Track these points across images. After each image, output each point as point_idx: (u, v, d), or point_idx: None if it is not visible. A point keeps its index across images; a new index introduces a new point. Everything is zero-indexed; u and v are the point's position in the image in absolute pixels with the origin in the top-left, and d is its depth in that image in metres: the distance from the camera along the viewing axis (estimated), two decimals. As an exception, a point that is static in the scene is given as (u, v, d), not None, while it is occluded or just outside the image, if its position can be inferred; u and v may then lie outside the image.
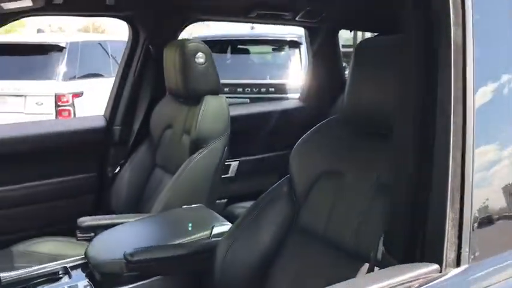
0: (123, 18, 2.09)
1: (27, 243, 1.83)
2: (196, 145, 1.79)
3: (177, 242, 1.38)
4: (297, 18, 2.29)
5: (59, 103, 5.11)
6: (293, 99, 3.06)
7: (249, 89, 5.11)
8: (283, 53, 5.47)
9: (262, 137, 2.46)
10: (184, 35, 2.34)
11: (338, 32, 2.64)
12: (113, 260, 1.28)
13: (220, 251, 1.28)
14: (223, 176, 2.38)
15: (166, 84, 1.99)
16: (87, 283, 1.36)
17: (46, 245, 1.83)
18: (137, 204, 2.01)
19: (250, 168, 2.48)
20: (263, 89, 5.08)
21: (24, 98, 5.29)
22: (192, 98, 1.88)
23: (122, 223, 1.58)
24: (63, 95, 5.11)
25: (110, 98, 2.23)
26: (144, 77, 2.16)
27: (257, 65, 5.65)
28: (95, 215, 1.98)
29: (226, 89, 5.09)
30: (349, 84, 1.18)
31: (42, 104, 5.13)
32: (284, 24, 2.60)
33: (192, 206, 1.63)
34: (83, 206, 2.08)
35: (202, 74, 1.85)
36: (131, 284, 1.28)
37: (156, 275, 1.31)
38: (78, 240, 1.55)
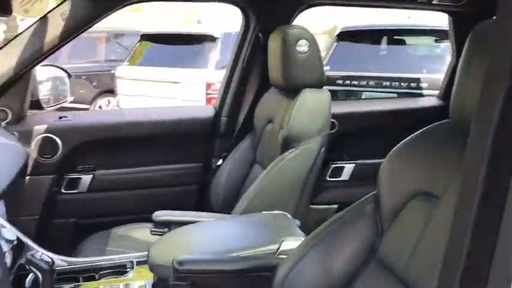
0: (235, 3, 1.99)
1: (126, 227, 1.86)
2: (288, 143, 1.61)
3: (239, 253, 1.23)
4: (434, 1, 1.92)
5: (208, 91, 5.36)
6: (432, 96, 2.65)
7: (398, 84, 4.70)
8: (443, 45, 4.88)
9: (385, 138, 2.16)
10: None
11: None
12: (163, 265, 1.18)
13: (280, 273, 1.09)
14: (335, 179, 2.16)
15: (269, 75, 1.84)
16: (143, 283, 1.30)
17: (142, 231, 1.85)
18: (234, 202, 1.91)
19: (368, 173, 2.19)
20: (413, 84, 4.62)
21: (178, 84, 5.67)
22: (291, 90, 1.70)
23: (196, 222, 1.49)
24: (213, 84, 5.33)
25: (220, 88, 2.17)
26: (252, 67, 2.05)
27: (413, 57, 5.15)
28: (196, 206, 1.94)
29: (371, 83, 4.77)
30: (459, 81, 0.89)
31: (194, 91, 5.44)
32: (417, 9, 2.23)
33: (273, 212, 1.46)
34: (184, 196, 2.06)
35: (303, 63, 1.65)
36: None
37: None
38: (152, 234, 1.51)
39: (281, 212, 1.46)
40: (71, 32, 1.77)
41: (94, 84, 6.84)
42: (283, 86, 1.74)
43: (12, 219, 1.73)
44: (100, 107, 6.85)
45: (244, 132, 2.04)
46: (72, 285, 1.32)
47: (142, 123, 2.04)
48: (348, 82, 4.89)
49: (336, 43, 5.10)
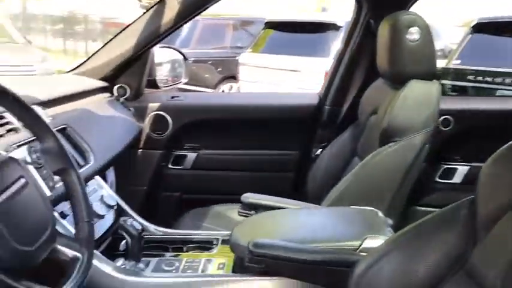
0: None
1: (224, 206, 1.93)
2: (388, 136, 1.52)
3: (319, 245, 1.20)
4: None
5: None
6: None
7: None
8: None
9: (508, 141, 1.93)
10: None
11: None
12: (242, 245, 1.20)
13: (358, 270, 1.04)
14: (445, 181, 2.01)
15: (377, 64, 1.75)
16: (223, 261, 1.33)
17: (236, 212, 1.90)
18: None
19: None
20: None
21: (298, 73, 5.69)
22: (397, 80, 1.59)
23: (282, 208, 1.48)
24: (331, 73, 5.24)
25: (327, 75, 2.12)
26: (361, 56, 1.96)
27: None
28: (290, 194, 1.94)
29: (508, 80, 4.31)
30: None
31: (312, 80, 5.42)
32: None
33: (363, 207, 1.39)
34: (279, 182, 2.07)
35: (413, 52, 1.53)
36: (256, 276, 1.17)
37: (279, 275, 1.16)
38: (239, 215, 1.53)
39: (371, 208, 1.38)
40: (185, 15, 1.87)
41: (219, 69, 7.16)
42: (389, 76, 1.64)
43: (122, 187, 1.90)
44: (223, 92, 7.17)
45: (347, 122, 1.98)
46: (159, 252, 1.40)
47: (247, 107, 2.08)
48: (480, 78, 4.49)
49: (469, 35, 4.68)
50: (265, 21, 6.50)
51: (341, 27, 5.53)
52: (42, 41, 13.38)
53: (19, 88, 1.45)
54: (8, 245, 0.77)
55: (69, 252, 0.93)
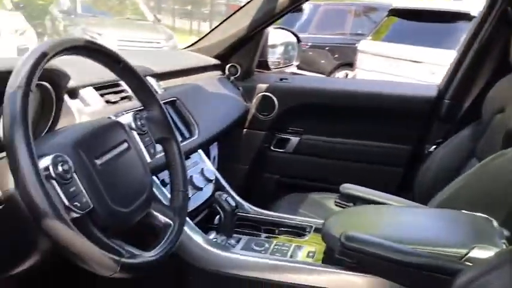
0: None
1: (323, 194, 1.89)
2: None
3: (420, 247, 1.10)
4: None
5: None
6: None
7: None
8: None
9: None
10: None
11: None
12: (334, 236, 1.15)
13: (460, 281, 0.94)
14: None
15: (511, 57, 1.56)
16: (313, 249, 1.29)
17: (333, 202, 1.85)
18: (439, 195, 1.72)
19: None
20: None
21: (420, 64, 5.37)
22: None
23: (383, 203, 1.40)
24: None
25: (449, 67, 1.95)
26: (491, 47, 1.76)
27: None
28: (395, 190, 1.84)
29: None
30: None
31: (434, 73, 5.08)
32: None
33: (476, 214, 1.26)
34: (385, 176, 1.96)
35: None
36: (346, 270, 1.12)
37: (371, 273, 1.10)
38: (335, 205, 1.48)
39: (485, 216, 1.24)
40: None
41: (335, 56, 7.03)
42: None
43: (224, 164, 1.94)
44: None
45: (468, 119, 1.80)
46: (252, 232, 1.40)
47: (357, 94, 2.00)
48: None
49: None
50: (391, 8, 6.20)
51: (474, 17, 5.08)
52: (170, 20, 14.24)
53: (139, 60, 1.54)
54: (105, 204, 0.82)
55: (162, 219, 0.96)
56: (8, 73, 0.75)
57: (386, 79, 5.33)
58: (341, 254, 1.10)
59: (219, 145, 1.87)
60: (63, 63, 1.04)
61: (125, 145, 0.92)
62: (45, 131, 1.08)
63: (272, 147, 2.09)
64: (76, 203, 0.76)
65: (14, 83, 0.72)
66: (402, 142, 1.98)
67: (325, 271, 1.13)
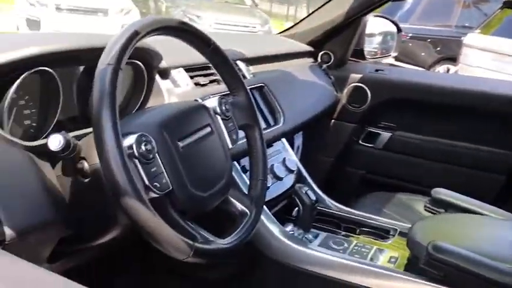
0: None
1: (410, 196, 1.78)
2: None
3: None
4: None
5: None
6: None
7: None
8: None
9: None
10: None
11: None
12: (420, 243, 1.07)
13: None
14: None
15: None
16: (396, 254, 1.22)
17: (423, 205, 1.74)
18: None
19: None
20: None
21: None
22: None
23: (481, 214, 1.28)
24: None
25: None
26: None
27: None
28: (494, 199, 1.70)
29: None
30: None
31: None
32: None
33: None
34: (482, 183, 1.80)
35: None
36: (431, 282, 1.04)
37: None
38: (424, 209, 1.38)
39: None
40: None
41: (437, 49, 6.62)
42: None
43: (309, 154, 1.90)
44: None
45: None
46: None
47: (459, 92, 1.84)
48: None
49: None
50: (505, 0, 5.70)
51: None
52: (267, 5, 14.30)
53: (231, 43, 1.53)
54: (184, 187, 0.81)
55: (239, 206, 0.95)
56: (101, 50, 0.76)
57: (493, 77, 4.93)
58: (426, 265, 1.02)
59: (304, 135, 1.83)
60: (156, 43, 1.06)
61: (208, 129, 0.91)
62: (136, 109, 1.11)
63: (360, 141, 2.01)
64: (156, 184, 0.77)
65: (105, 60, 0.73)
66: (506, 147, 1.80)
67: (407, 280, 1.06)
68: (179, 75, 1.20)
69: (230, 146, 0.97)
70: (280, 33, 2.17)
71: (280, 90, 1.55)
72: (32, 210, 0.77)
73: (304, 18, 2.10)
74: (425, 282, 1.03)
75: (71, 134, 0.80)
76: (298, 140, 1.78)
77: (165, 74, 1.17)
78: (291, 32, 2.07)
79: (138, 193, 0.71)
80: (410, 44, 6.58)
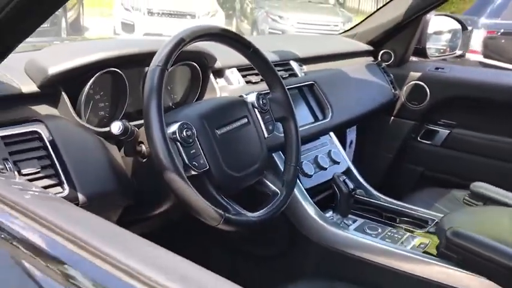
0: None
1: (462, 192, 1.81)
2: None
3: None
4: None
5: None
6: None
7: None
8: None
9: None
10: None
11: None
12: (442, 229, 1.15)
13: None
14: None
15: None
16: (427, 241, 1.30)
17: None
18: None
19: None
20: None
21: None
22: None
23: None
24: None
25: None
26: None
27: None
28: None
29: None
30: None
31: None
32: None
33: None
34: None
35: None
36: (451, 265, 1.12)
37: (477, 273, 1.08)
38: (463, 202, 1.43)
39: None
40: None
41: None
42: None
43: (367, 149, 2.00)
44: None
45: None
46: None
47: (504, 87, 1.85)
48: None
49: None
50: None
51: None
52: (356, 3, 14.15)
53: (290, 45, 1.69)
54: (220, 167, 0.99)
55: (272, 187, 1.10)
56: (154, 53, 0.96)
57: None
58: (446, 249, 1.10)
59: (358, 130, 1.93)
60: (214, 47, 1.24)
61: (245, 120, 1.08)
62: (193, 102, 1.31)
63: (419, 138, 2.06)
64: (194, 163, 0.95)
65: (155, 62, 0.92)
66: None
67: (430, 262, 1.15)
68: (232, 74, 1.38)
69: (266, 135, 1.13)
70: (342, 33, 2.28)
71: (332, 87, 1.67)
72: (101, 182, 0.98)
73: (365, 19, 2.20)
74: (445, 265, 1.12)
75: (135, 123, 1.00)
76: (351, 134, 1.89)
77: (219, 73, 1.36)
78: (352, 32, 2.17)
79: (177, 169, 0.89)
80: (502, 41, 6.25)
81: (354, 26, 2.25)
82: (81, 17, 9.74)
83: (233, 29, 9.41)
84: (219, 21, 7.93)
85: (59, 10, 8.31)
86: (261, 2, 8.64)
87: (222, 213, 0.93)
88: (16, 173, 0.88)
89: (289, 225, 1.33)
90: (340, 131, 1.72)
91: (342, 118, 1.64)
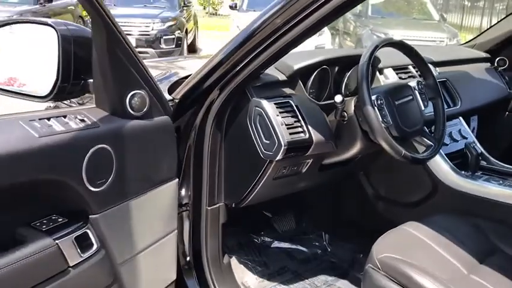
0: None
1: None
2: None
3: None
4: None
5: None
6: None
7: None
8: None
9: None
10: None
11: None
12: None
13: None
14: None
15: None
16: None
17: None
18: None
19: None
20: None
21: None
22: None
23: None
24: None
25: None
26: None
27: None
28: None
29: None
30: None
31: None
32: None
33: None
34: None
35: None
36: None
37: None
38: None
39: None
40: None
41: None
42: None
43: (484, 136, 2.52)
44: None
45: None
46: None
47: None
48: None
49: None
50: None
51: None
52: (458, 18, 14.22)
53: (425, 52, 2.30)
54: (397, 124, 1.61)
55: (427, 141, 1.71)
56: (356, 56, 1.62)
57: None
58: None
59: (479, 119, 2.46)
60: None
61: (410, 97, 1.70)
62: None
63: None
64: (384, 120, 1.58)
65: (363, 59, 1.57)
66: None
67: None
68: (389, 72, 2.02)
69: (423, 108, 1.74)
70: (462, 44, 2.84)
71: (459, 84, 2.25)
72: (321, 131, 1.64)
73: (482, 32, 2.74)
74: None
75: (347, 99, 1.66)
76: (474, 122, 2.42)
77: (380, 71, 2.00)
78: (472, 43, 2.73)
79: (378, 123, 1.53)
80: None
81: (473, 39, 2.80)
82: (197, 40, 10.95)
83: (337, 46, 10.07)
84: (326, 40, 8.63)
85: (183, 34, 9.34)
86: (364, 21, 9.21)
87: (402, 151, 1.55)
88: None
89: (432, 178, 1.92)
90: (465, 119, 2.27)
91: (468, 106, 2.20)
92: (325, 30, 9.17)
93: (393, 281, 1.37)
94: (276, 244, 2.20)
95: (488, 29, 2.77)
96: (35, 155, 1.01)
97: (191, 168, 1.60)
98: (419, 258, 1.39)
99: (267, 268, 2.05)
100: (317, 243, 2.24)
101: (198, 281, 1.70)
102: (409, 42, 1.81)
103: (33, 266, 1.01)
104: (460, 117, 2.17)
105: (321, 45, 8.46)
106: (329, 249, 2.22)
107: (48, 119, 1.10)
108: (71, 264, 1.09)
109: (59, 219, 1.12)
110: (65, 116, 1.14)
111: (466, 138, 2.09)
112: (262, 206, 2.30)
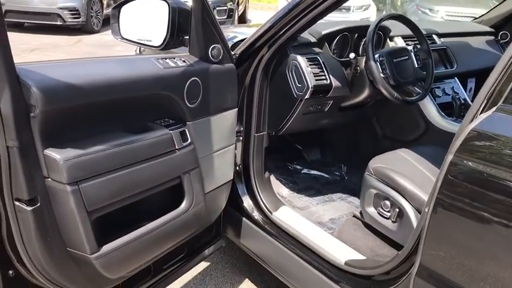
0: None
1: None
2: None
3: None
4: None
5: None
6: None
7: None
8: None
9: None
10: None
11: None
12: None
13: None
14: None
15: None
16: None
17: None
18: None
19: None
20: None
21: None
22: None
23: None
24: None
25: None
26: None
27: None
28: None
29: None
30: None
31: None
32: None
33: None
34: None
35: None
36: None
37: None
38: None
39: None
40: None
41: None
42: None
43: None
44: None
45: None
46: None
47: None
48: None
49: None
50: None
51: None
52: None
53: (434, 26, 2.94)
54: (394, 76, 2.29)
55: (418, 90, 2.38)
56: (363, 26, 2.31)
57: None
58: None
59: (476, 82, 3.08)
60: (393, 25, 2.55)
61: (406, 56, 2.37)
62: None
63: None
64: (384, 72, 2.26)
65: (371, 28, 2.24)
66: None
67: None
68: (398, 39, 2.69)
69: (416, 65, 2.41)
70: (472, 20, 3.44)
71: (459, 51, 2.88)
72: (339, 79, 2.33)
73: (490, 10, 3.33)
74: None
75: (359, 57, 2.35)
76: (471, 83, 3.05)
77: (392, 38, 2.67)
78: (480, 19, 3.32)
79: (379, 74, 2.22)
80: None
81: (482, 15, 3.40)
82: (247, 11, 11.63)
83: (383, 21, 10.53)
84: (371, 14, 9.15)
85: (234, 6, 10.07)
86: (415, -4, 9.63)
87: (395, 94, 2.24)
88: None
89: (425, 120, 2.59)
90: (463, 80, 2.90)
91: (463, 69, 2.83)
92: (372, 4, 9.66)
93: (381, 181, 2.08)
94: (304, 171, 2.94)
95: (497, 5, 3.34)
96: (160, 78, 1.78)
97: (245, 104, 2.34)
98: (401, 168, 2.08)
99: (296, 185, 2.79)
100: (337, 173, 2.96)
101: (245, 186, 2.45)
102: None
103: (157, 144, 1.78)
104: (456, 78, 2.81)
105: (366, 18, 9.00)
106: (346, 178, 2.94)
107: (165, 59, 1.87)
108: (177, 147, 1.85)
109: (170, 121, 1.88)
110: (174, 58, 1.90)
111: (457, 93, 2.73)
112: (295, 140, 3.04)
